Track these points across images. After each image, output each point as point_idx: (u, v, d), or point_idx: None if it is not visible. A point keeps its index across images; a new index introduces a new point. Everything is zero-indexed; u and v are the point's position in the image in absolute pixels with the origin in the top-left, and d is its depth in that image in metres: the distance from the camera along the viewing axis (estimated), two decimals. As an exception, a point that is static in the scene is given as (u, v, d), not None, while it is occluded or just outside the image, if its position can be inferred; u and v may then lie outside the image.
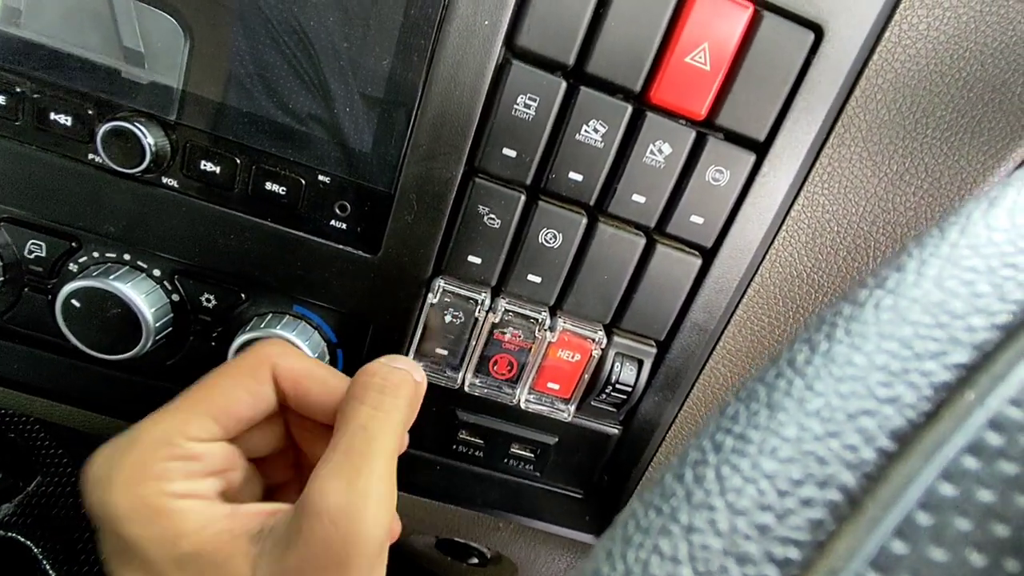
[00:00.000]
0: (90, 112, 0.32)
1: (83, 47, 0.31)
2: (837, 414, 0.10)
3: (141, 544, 0.24)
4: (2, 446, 0.65)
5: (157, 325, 0.35)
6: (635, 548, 0.10)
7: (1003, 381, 0.09)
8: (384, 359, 0.30)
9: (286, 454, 0.32)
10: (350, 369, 0.38)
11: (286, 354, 0.29)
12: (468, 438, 0.40)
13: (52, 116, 0.32)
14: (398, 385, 0.28)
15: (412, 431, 0.40)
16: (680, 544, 0.10)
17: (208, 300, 0.37)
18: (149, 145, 0.31)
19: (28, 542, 0.56)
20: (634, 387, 0.38)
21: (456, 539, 0.55)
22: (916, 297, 0.11)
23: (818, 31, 0.31)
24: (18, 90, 0.32)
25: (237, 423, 0.28)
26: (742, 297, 0.37)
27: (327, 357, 0.38)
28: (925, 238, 0.12)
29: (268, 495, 0.32)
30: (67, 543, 0.59)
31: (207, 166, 0.33)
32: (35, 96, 0.32)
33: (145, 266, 0.36)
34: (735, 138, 0.33)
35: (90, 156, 0.33)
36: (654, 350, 0.38)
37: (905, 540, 0.08)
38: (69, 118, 0.32)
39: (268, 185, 0.34)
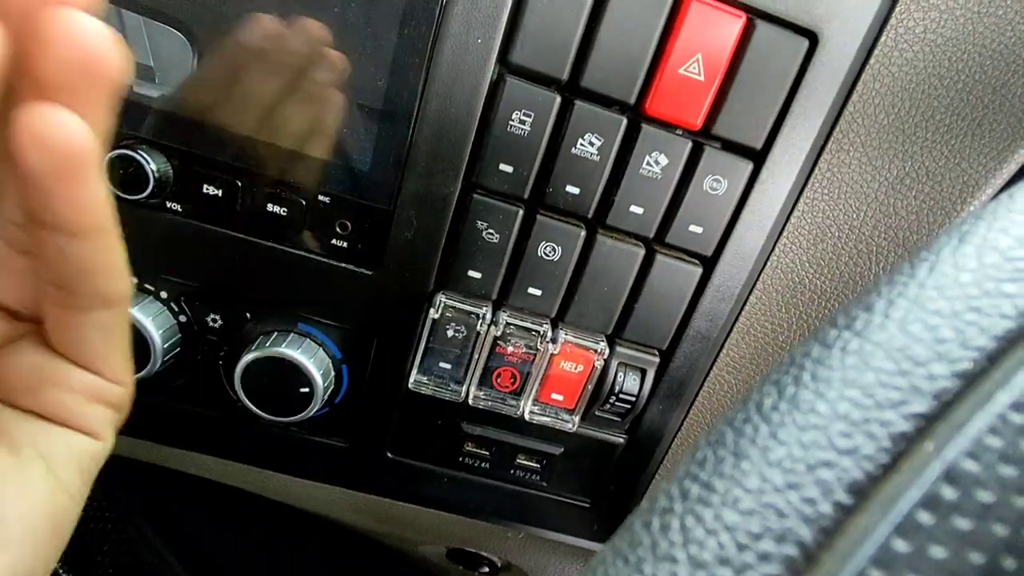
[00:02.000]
0: (94, 140, 0.32)
1: None
2: (798, 465, 0.10)
3: None
4: None
5: (165, 347, 0.36)
6: None
7: (959, 432, 0.09)
8: None
9: None
10: (356, 383, 0.39)
11: None
12: (474, 450, 0.40)
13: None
14: None
15: (418, 443, 0.41)
16: None
17: (214, 320, 0.37)
18: (152, 172, 0.32)
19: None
20: (638, 396, 0.38)
21: (467, 549, 0.55)
22: (880, 341, 0.11)
23: (812, 38, 0.31)
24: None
25: None
26: (744, 305, 0.37)
27: (332, 373, 0.38)
28: (895, 276, 0.12)
29: None
30: (90, 562, 0.60)
31: (209, 189, 0.34)
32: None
33: (152, 288, 0.36)
34: (732, 147, 0.33)
35: (95, 183, 0.33)
36: (657, 359, 0.38)
37: None
38: (74, 147, 0.32)
39: (269, 207, 0.34)
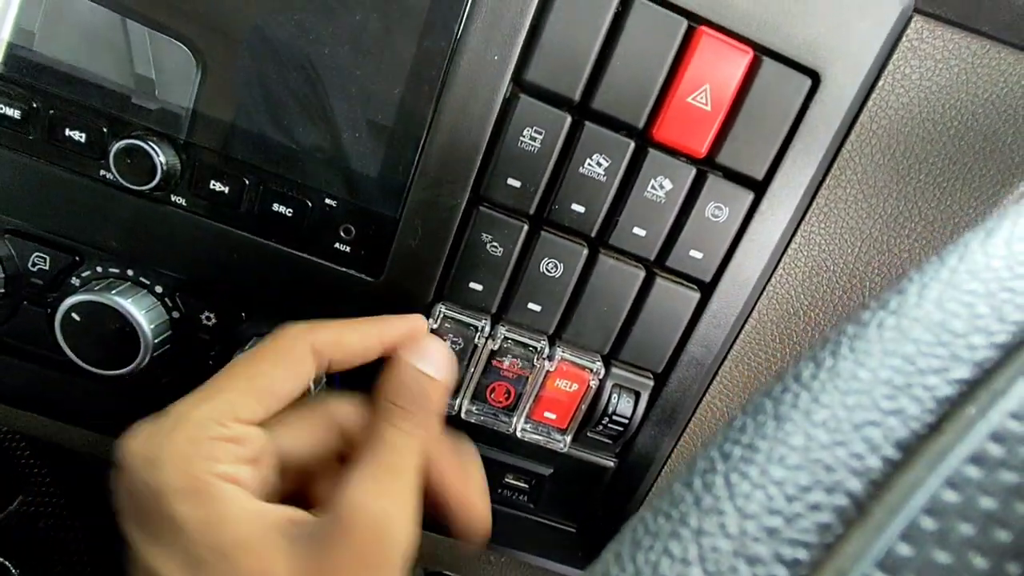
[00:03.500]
0: (104, 129, 0.32)
1: (97, 70, 0.32)
2: (843, 424, 0.10)
3: (187, 525, 0.23)
4: (-16, 463, 0.63)
5: (155, 341, 0.35)
6: (644, 551, 0.10)
7: (1003, 396, 0.10)
8: (410, 353, 0.30)
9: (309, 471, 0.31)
10: (349, 389, 0.38)
11: (316, 328, 0.30)
12: (462, 466, 0.40)
13: (66, 132, 0.32)
14: (423, 404, 0.29)
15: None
16: (690, 546, 0.10)
17: (208, 318, 0.37)
18: (160, 163, 0.32)
19: (7, 562, 0.55)
20: (631, 419, 0.38)
21: (445, 572, 0.53)
22: (918, 317, 0.11)
23: (815, 77, 0.32)
24: (33, 105, 0.32)
25: (279, 404, 0.28)
26: (739, 332, 0.37)
27: (324, 380, 0.37)
28: (925, 265, 0.12)
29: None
30: (46, 563, 0.58)
31: (216, 185, 0.34)
32: (50, 112, 0.32)
33: (148, 282, 0.36)
34: (734, 176, 0.34)
35: (101, 172, 0.33)
36: (651, 382, 0.38)
37: (911, 543, 0.09)
38: (83, 134, 0.32)
39: (275, 206, 0.34)
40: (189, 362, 0.38)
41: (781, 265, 0.36)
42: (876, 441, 0.10)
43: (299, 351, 0.28)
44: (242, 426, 0.26)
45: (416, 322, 0.32)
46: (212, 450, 0.24)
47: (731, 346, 0.38)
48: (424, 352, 0.30)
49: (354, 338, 0.30)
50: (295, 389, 0.28)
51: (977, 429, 0.09)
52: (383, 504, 0.25)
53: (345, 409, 0.31)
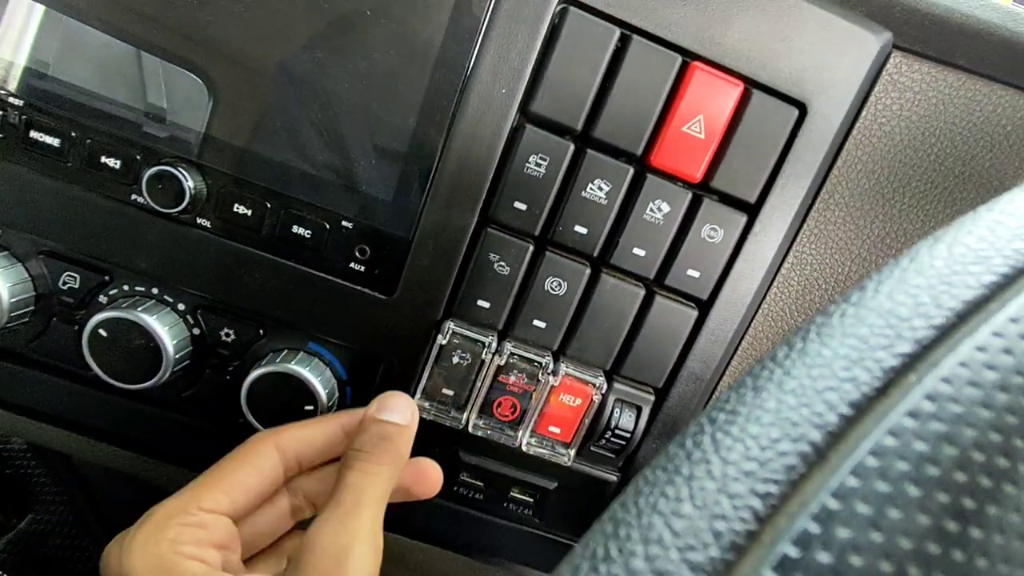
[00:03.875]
0: (137, 157, 0.35)
1: (119, 99, 0.34)
2: (808, 391, 0.13)
3: None
4: (-3, 482, 0.64)
5: (177, 356, 0.37)
6: (645, 495, 0.12)
7: (937, 366, 0.12)
8: (374, 409, 0.34)
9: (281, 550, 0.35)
10: (358, 404, 0.40)
11: (280, 431, 0.33)
12: (469, 480, 0.41)
13: (102, 159, 0.35)
14: (383, 450, 0.32)
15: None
16: (682, 488, 0.12)
17: (227, 335, 0.38)
18: (189, 188, 0.34)
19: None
20: (633, 433, 0.39)
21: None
22: (872, 307, 0.13)
23: (802, 108, 0.35)
24: (72, 134, 0.35)
25: (245, 496, 0.31)
26: (736, 348, 0.39)
27: (336, 394, 0.39)
28: (882, 269, 0.15)
29: None
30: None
31: (239, 209, 0.36)
32: (87, 141, 0.35)
33: (171, 300, 0.38)
34: (728, 200, 0.36)
35: (133, 197, 0.35)
36: (652, 397, 0.39)
37: (858, 477, 0.11)
38: (118, 161, 0.35)
39: (294, 228, 0.36)
40: (209, 376, 0.39)
41: (775, 283, 0.38)
42: (834, 402, 0.12)
43: (262, 449, 0.32)
44: (206, 513, 0.29)
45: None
46: (177, 533, 0.28)
47: (729, 361, 0.39)
48: (386, 404, 0.34)
49: (315, 431, 0.34)
50: (262, 483, 0.32)
51: (915, 392, 0.12)
52: (342, 539, 0.27)
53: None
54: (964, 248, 0.14)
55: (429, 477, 0.36)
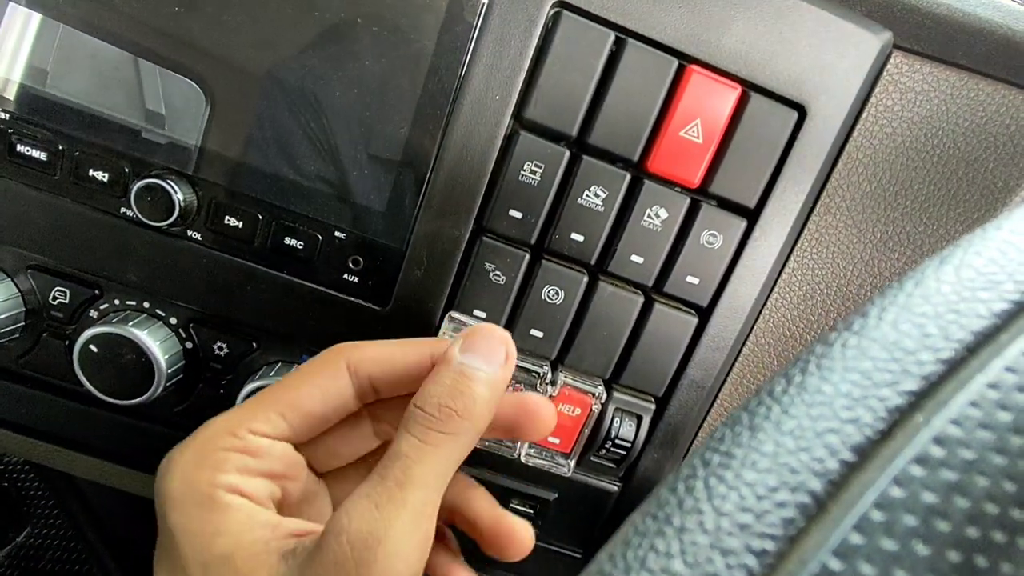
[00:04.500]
0: (126, 169, 0.34)
1: (111, 108, 0.34)
2: (807, 432, 0.12)
3: (178, 537, 0.23)
4: (-6, 495, 0.64)
5: (169, 371, 0.36)
6: (633, 548, 0.11)
7: (946, 406, 0.11)
8: (457, 346, 0.26)
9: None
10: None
11: (359, 346, 0.28)
12: (468, 492, 0.40)
13: (90, 172, 0.34)
14: (453, 414, 0.24)
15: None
16: (673, 542, 0.11)
17: (220, 348, 0.38)
18: (178, 200, 0.34)
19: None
20: (633, 443, 0.38)
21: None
22: (876, 337, 0.13)
23: (801, 111, 0.34)
24: (59, 147, 0.34)
25: (307, 420, 0.26)
26: (738, 355, 0.38)
27: (332, 407, 0.38)
28: (887, 290, 0.14)
29: None
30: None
31: (230, 221, 0.35)
32: (75, 153, 0.34)
33: (163, 314, 0.37)
34: (727, 204, 0.35)
35: (122, 210, 0.35)
36: (653, 406, 0.39)
37: (862, 533, 0.10)
38: (106, 174, 0.34)
39: (287, 240, 0.35)
40: (202, 390, 0.39)
41: (776, 289, 0.37)
42: (835, 446, 0.11)
43: (332, 367, 0.27)
44: (257, 438, 0.25)
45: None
46: (219, 460, 0.24)
47: (730, 369, 0.39)
48: (472, 341, 0.26)
49: (396, 352, 0.28)
50: (326, 406, 0.26)
51: (922, 435, 0.11)
52: (372, 525, 0.22)
53: None
54: (973, 272, 0.13)
55: (539, 416, 0.28)
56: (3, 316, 0.35)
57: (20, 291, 0.37)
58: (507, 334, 0.27)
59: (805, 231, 0.36)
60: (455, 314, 0.36)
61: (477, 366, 0.25)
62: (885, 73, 0.34)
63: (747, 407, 0.13)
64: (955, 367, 0.12)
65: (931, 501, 0.10)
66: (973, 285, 0.13)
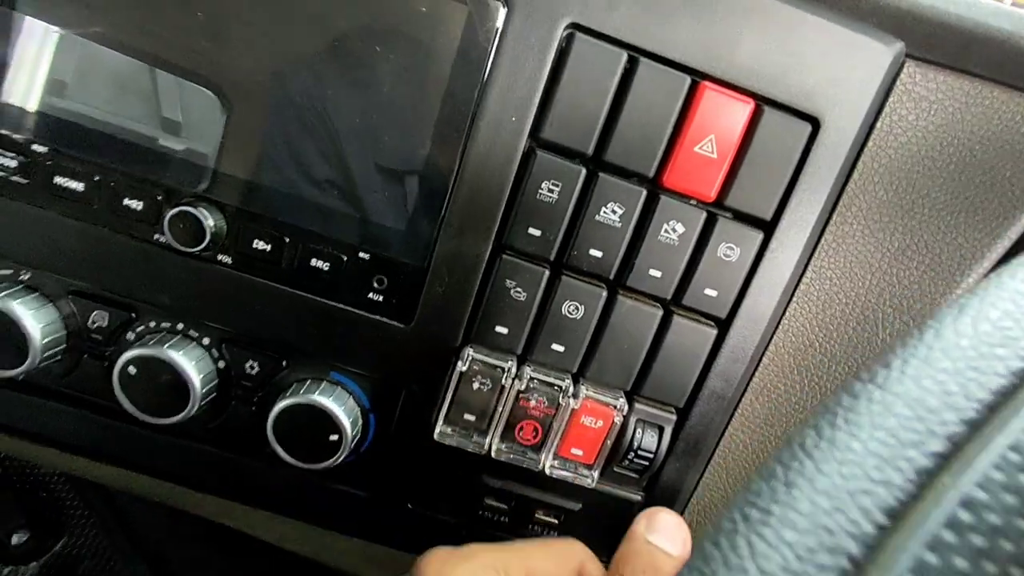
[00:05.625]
0: (159, 198, 0.36)
1: (145, 138, 0.35)
2: (841, 492, 0.12)
3: None
4: (32, 505, 0.66)
5: (204, 391, 0.37)
6: None
7: (970, 467, 0.12)
8: (643, 526, 0.32)
9: None
10: (382, 432, 0.40)
11: (593, 559, 0.32)
12: (494, 503, 0.41)
13: (125, 202, 0.36)
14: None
15: (438, 495, 0.42)
16: None
17: (251, 367, 0.39)
18: (209, 227, 0.35)
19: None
20: (656, 453, 0.39)
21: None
22: (899, 393, 0.13)
23: (815, 123, 0.34)
24: (96, 179, 0.36)
25: None
26: (758, 365, 0.39)
27: (360, 422, 0.39)
28: (908, 339, 0.14)
29: None
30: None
31: (258, 244, 0.36)
32: (111, 184, 0.36)
33: (196, 335, 0.39)
34: (743, 217, 0.36)
35: (156, 236, 0.36)
36: (674, 417, 0.39)
37: None
38: (140, 203, 0.36)
39: (312, 261, 0.37)
40: (235, 408, 0.40)
41: (794, 300, 0.37)
42: (869, 509, 0.12)
43: (568, 560, 0.32)
44: None
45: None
46: None
47: (750, 379, 0.39)
48: (656, 522, 0.31)
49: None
50: None
51: (950, 497, 0.11)
52: None
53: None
54: (989, 325, 0.14)
55: None
56: (47, 340, 0.37)
57: (61, 315, 0.38)
58: (683, 522, 0.32)
59: (822, 242, 0.37)
60: (474, 353, 0.37)
61: (666, 548, 0.30)
62: (898, 83, 0.35)
63: (780, 459, 0.14)
64: (977, 427, 0.12)
65: (963, 567, 0.10)
66: (990, 340, 0.13)
